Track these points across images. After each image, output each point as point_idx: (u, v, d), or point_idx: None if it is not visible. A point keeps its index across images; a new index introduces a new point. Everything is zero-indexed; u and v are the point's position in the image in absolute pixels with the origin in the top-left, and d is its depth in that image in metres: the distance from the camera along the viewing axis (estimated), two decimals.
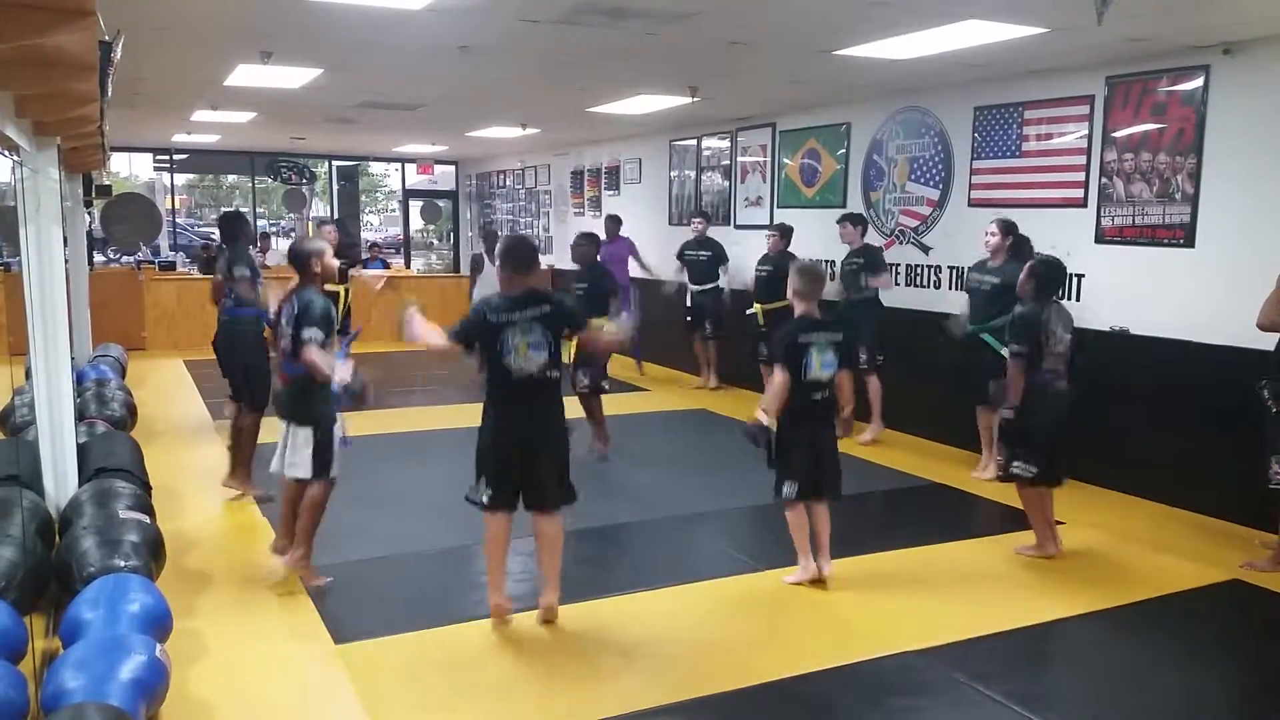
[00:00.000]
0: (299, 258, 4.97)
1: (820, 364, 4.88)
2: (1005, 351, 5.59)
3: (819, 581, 5.00)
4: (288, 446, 4.83)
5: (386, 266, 17.77)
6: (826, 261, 9.19)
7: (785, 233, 8.99)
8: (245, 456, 6.24)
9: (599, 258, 7.81)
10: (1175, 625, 4.70)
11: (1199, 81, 6.14)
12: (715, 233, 10.45)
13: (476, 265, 10.86)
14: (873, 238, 8.46)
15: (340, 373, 4.68)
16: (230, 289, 6.44)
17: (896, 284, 8.37)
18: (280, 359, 4.96)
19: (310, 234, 19.92)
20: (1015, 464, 5.37)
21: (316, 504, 4.81)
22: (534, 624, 4.49)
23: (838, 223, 8.25)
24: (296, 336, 4.72)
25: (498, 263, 4.45)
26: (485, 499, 4.35)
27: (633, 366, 11.08)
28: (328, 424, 4.78)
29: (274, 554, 5.08)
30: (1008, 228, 6.65)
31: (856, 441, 7.89)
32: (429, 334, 4.36)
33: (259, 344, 6.28)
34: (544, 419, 4.36)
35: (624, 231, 11.22)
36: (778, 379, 4.88)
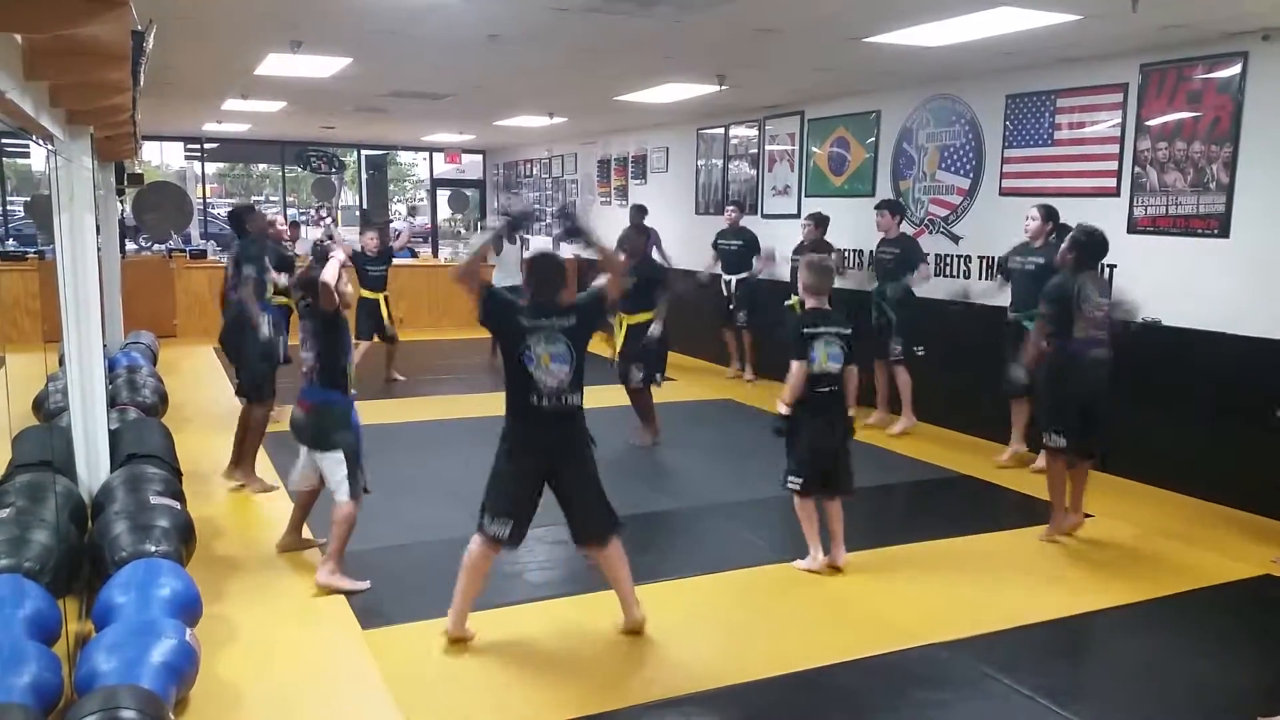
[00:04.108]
0: (313, 288, 4.84)
1: (826, 356, 4.93)
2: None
3: (835, 569, 5.04)
4: (310, 468, 4.85)
5: (414, 255, 17.88)
6: (854, 251, 9.17)
7: (821, 222, 8.89)
8: (251, 450, 6.23)
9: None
10: (1205, 619, 4.65)
11: (1236, 69, 6.04)
12: (744, 222, 10.40)
13: (496, 246, 10.79)
14: (903, 227, 8.39)
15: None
16: (235, 285, 6.40)
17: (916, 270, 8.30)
18: (302, 384, 4.89)
19: (337, 224, 20.08)
20: (1049, 435, 5.38)
21: (348, 521, 4.75)
22: (557, 612, 4.52)
23: (875, 209, 8.21)
24: (317, 355, 4.71)
25: (523, 277, 4.32)
26: (506, 533, 4.07)
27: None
28: (353, 445, 4.79)
29: (280, 551, 5.14)
30: (1049, 213, 6.68)
31: (887, 433, 7.85)
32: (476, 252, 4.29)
33: (267, 338, 6.26)
34: (569, 441, 4.16)
35: (650, 221, 11.14)
36: (794, 370, 4.92)
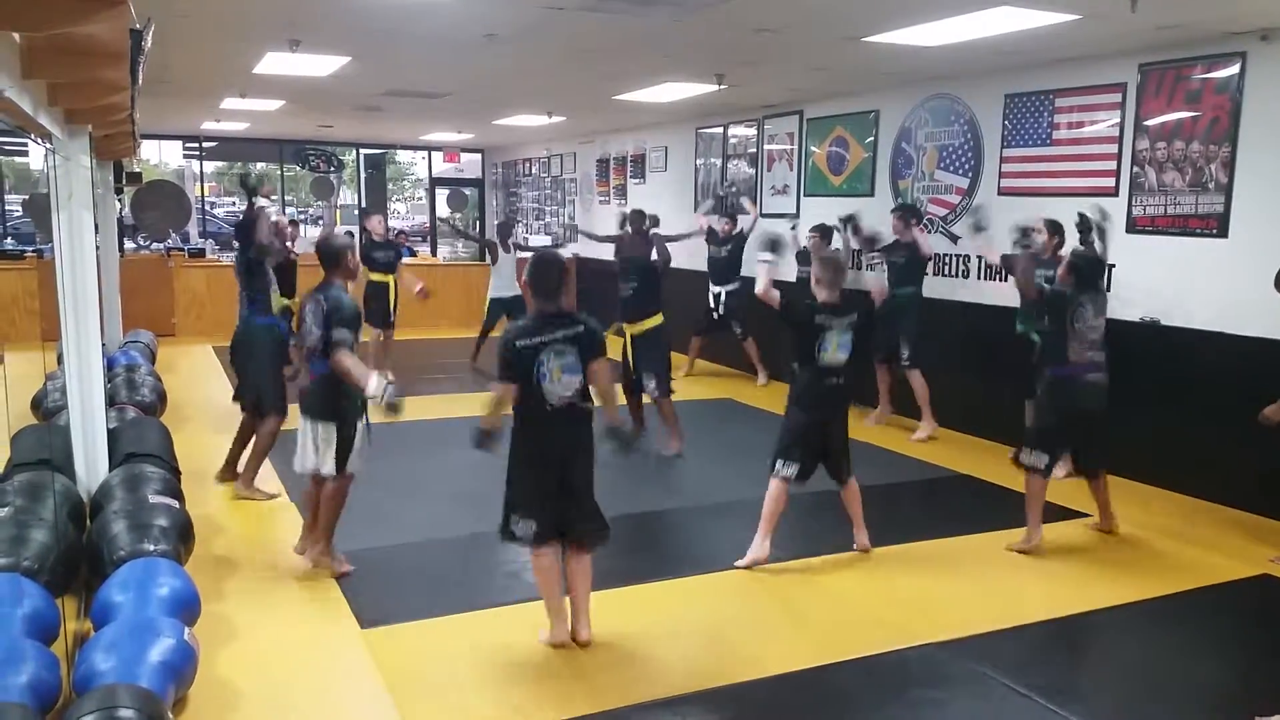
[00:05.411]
0: (330, 253, 4.86)
1: (836, 346, 4.97)
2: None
3: (864, 552, 5.24)
4: (310, 444, 4.79)
5: (413, 254, 17.86)
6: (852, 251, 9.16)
7: (826, 234, 8.83)
8: (256, 460, 6.16)
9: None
10: (1204, 619, 4.66)
11: (1234, 69, 6.04)
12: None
13: (491, 254, 10.82)
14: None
15: (372, 386, 4.49)
16: (245, 296, 6.29)
17: (924, 274, 8.28)
18: (306, 357, 4.86)
19: (339, 222, 20.03)
20: (1025, 451, 5.38)
21: (336, 498, 4.78)
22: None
23: (892, 212, 8.18)
24: (327, 337, 4.64)
25: (528, 285, 4.28)
26: (532, 534, 4.08)
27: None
28: (351, 419, 4.76)
29: (297, 554, 5.08)
30: (1055, 227, 6.66)
31: (909, 439, 7.81)
32: (497, 394, 4.13)
33: (274, 352, 6.22)
34: (581, 443, 4.16)
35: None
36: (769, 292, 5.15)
